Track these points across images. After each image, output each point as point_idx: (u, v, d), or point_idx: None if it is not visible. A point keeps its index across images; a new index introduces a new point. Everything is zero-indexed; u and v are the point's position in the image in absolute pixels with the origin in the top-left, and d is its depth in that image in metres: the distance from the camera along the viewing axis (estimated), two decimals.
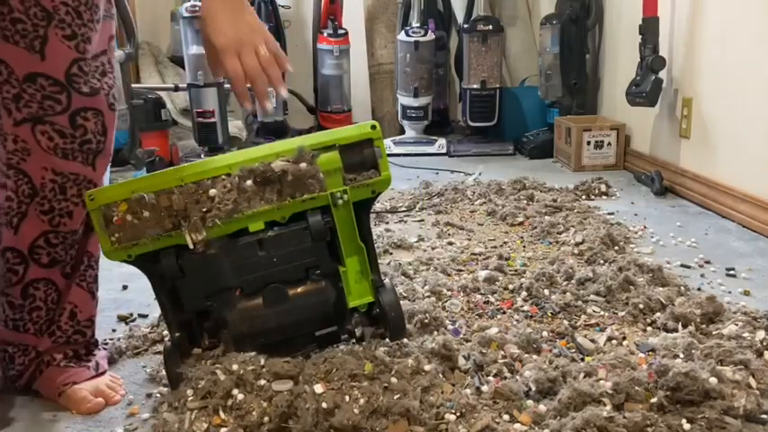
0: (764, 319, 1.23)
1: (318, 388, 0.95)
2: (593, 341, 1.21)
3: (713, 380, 0.97)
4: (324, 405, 0.92)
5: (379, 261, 1.12)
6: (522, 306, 1.38)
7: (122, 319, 1.44)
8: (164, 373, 1.08)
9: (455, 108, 3.89)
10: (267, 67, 0.99)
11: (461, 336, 1.25)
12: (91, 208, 0.99)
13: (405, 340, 1.14)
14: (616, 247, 1.71)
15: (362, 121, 1.09)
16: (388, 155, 3.17)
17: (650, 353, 1.15)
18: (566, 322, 1.29)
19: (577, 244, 1.74)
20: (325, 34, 3.46)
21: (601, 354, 1.16)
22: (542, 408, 0.98)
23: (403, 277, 1.54)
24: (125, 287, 1.61)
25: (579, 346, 1.20)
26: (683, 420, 0.93)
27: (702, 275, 1.57)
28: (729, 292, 1.46)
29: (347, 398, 0.94)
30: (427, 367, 1.04)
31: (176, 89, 3.22)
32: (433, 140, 3.36)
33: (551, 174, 2.78)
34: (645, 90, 2.39)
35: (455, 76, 3.78)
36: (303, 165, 1.02)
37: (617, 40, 2.92)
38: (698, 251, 1.74)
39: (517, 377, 1.07)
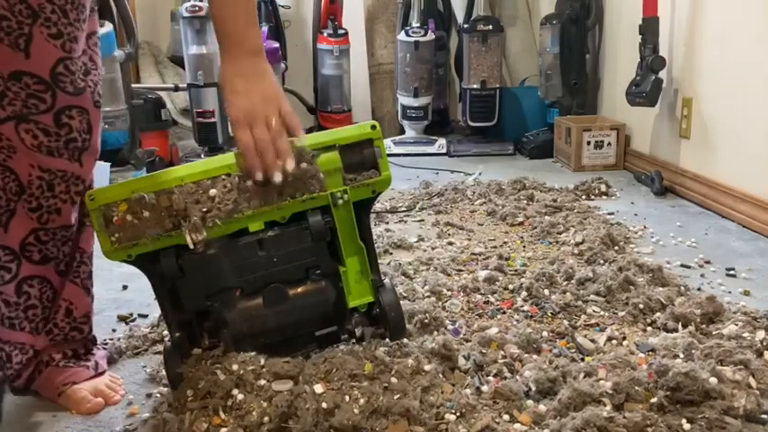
0: (764, 319, 1.23)
1: (318, 388, 0.95)
2: (593, 341, 1.21)
3: (713, 380, 0.97)
4: (324, 405, 0.92)
5: (379, 261, 1.12)
6: (522, 306, 1.38)
7: (122, 319, 1.44)
8: (164, 373, 1.08)
9: (455, 108, 3.89)
10: (276, 140, 0.99)
11: (461, 336, 1.25)
12: (91, 208, 0.99)
13: (405, 340, 1.14)
14: (616, 247, 1.71)
15: (362, 121, 1.09)
16: (388, 155, 3.17)
17: (650, 353, 1.15)
18: (566, 322, 1.29)
19: (577, 244, 1.74)
20: (325, 34, 3.46)
21: (601, 354, 1.16)
22: (542, 408, 0.98)
23: (403, 277, 1.54)
24: (125, 287, 1.61)
25: (579, 346, 1.20)
26: (683, 420, 0.93)
27: (702, 275, 1.57)
28: (729, 292, 1.46)
29: (347, 398, 0.94)
30: (427, 367, 1.04)
31: (176, 89, 3.22)
32: (433, 140, 3.36)
33: (551, 174, 2.78)
34: (645, 90, 2.39)
35: (455, 76, 3.78)
36: (303, 165, 1.02)
37: (617, 40, 2.92)
38: (698, 251, 1.74)
39: (517, 377, 1.07)
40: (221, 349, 1.02)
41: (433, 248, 1.80)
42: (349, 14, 3.62)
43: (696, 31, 2.25)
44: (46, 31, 0.96)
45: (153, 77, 3.59)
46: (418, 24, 3.40)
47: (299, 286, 1.06)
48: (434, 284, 1.46)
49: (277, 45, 3.19)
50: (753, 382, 1.02)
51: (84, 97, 1.03)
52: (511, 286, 1.47)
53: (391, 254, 1.78)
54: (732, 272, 1.58)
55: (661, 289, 1.38)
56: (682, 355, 1.10)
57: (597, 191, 2.37)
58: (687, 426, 0.92)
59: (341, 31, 3.46)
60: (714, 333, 1.20)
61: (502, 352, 1.16)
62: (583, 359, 1.15)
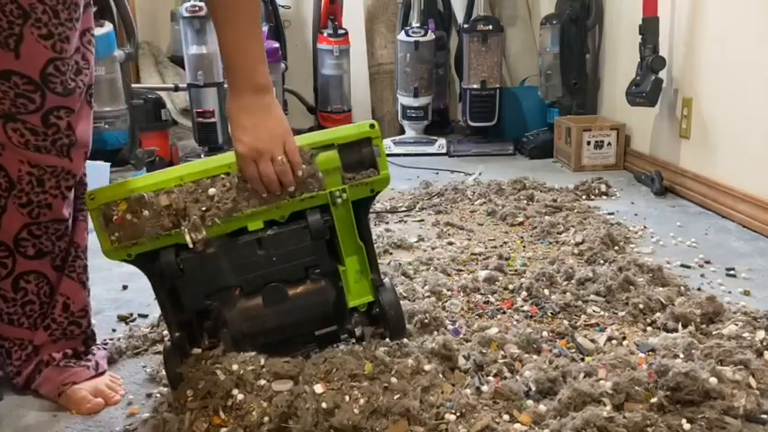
0: (764, 319, 1.23)
1: (318, 388, 0.95)
2: (593, 341, 1.21)
3: (713, 380, 0.96)
4: (324, 405, 0.92)
5: (379, 261, 1.12)
6: (522, 306, 1.38)
7: (122, 319, 1.44)
8: (164, 373, 1.08)
9: (455, 108, 3.89)
10: (281, 175, 1.01)
11: (461, 336, 1.25)
12: (91, 207, 0.99)
13: (405, 340, 1.14)
14: (616, 247, 1.71)
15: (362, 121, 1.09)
16: (389, 155, 3.18)
17: (650, 353, 1.15)
18: (566, 322, 1.29)
19: (577, 244, 1.74)
20: (325, 34, 3.46)
21: (601, 354, 1.16)
22: (542, 408, 0.98)
23: (403, 277, 1.54)
24: (125, 287, 1.61)
25: (579, 346, 1.20)
26: (683, 420, 0.93)
27: (702, 275, 1.57)
28: (729, 292, 1.46)
29: (347, 398, 0.94)
30: (427, 367, 1.04)
31: (176, 89, 3.22)
32: (433, 140, 3.36)
33: (551, 174, 2.78)
34: (645, 90, 2.39)
35: (455, 76, 3.78)
36: (303, 165, 1.02)
37: (617, 40, 2.92)
38: (698, 251, 1.74)
39: (517, 377, 1.07)
40: (221, 349, 1.02)
41: (433, 248, 1.80)
42: (349, 14, 3.62)
43: (696, 31, 2.25)
44: (36, 31, 0.96)
45: (153, 77, 3.59)
46: (418, 24, 3.40)
47: (298, 286, 1.06)
48: (434, 284, 1.46)
49: (277, 45, 3.19)
50: (753, 382, 1.02)
51: (74, 98, 1.03)
52: (511, 286, 1.47)
53: (391, 254, 1.78)
54: (732, 272, 1.58)
55: (661, 289, 1.38)
56: (682, 355, 1.10)
57: (597, 191, 2.37)
58: (687, 426, 0.92)
59: (341, 31, 3.46)
60: (714, 333, 1.19)
61: (502, 352, 1.16)
62: (583, 359, 1.15)
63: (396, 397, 0.95)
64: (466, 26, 3.32)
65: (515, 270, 1.59)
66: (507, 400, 1.01)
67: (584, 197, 2.33)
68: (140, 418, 1.05)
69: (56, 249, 1.10)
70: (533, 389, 1.03)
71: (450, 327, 1.28)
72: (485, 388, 1.04)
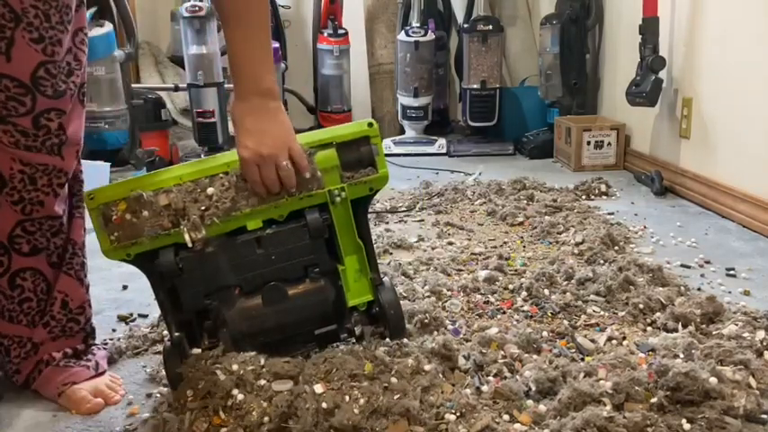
0: (764, 319, 1.23)
1: (318, 388, 0.95)
2: (593, 341, 1.21)
3: (713, 380, 0.96)
4: (324, 405, 0.92)
5: (378, 261, 1.12)
6: (522, 306, 1.38)
7: (122, 319, 1.44)
8: (164, 373, 1.08)
9: (455, 108, 3.89)
10: (285, 180, 1.01)
11: (461, 336, 1.25)
12: (90, 207, 0.99)
13: (405, 340, 1.14)
14: (616, 247, 1.71)
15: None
16: (389, 155, 3.19)
17: (650, 353, 1.15)
18: (566, 322, 1.29)
19: (577, 244, 1.74)
20: (326, 34, 3.46)
21: (601, 354, 1.16)
22: (542, 408, 0.98)
23: (403, 277, 1.54)
24: (125, 287, 1.61)
25: (579, 346, 1.20)
26: (683, 420, 0.93)
27: (702, 275, 1.57)
28: (729, 292, 1.46)
29: (347, 398, 0.94)
30: (427, 367, 1.04)
31: (176, 89, 3.22)
32: (433, 140, 3.36)
33: (551, 174, 2.77)
34: (645, 90, 2.39)
35: (455, 76, 3.78)
36: None
37: (617, 40, 2.92)
38: (698, 251, 1.74)
39: (517, 377, 1.07)
40: (221, 349, 1.02)
41: (433, 248, 1.80)
42: (349, 14, 3.62)
43: (696, 31, 2.25)
44: (28, 35, 0.96)
45: (153, 77, 3.59)
46: (418, 24, 3.40)
47: (297, 285, 1.06)
48: (434, 284, 1.46)
49: (277, 45, 3.19)
50: (753, 382, 1.01)
51: (65, 100, 1.03)
52: (511, 286, 1.47)
53: (391, 254, 1.78)
54: (732, 272, 1.58)
55: (661, 289, 1.38)
56: (682, 355, 1.10)
57: (597, 191, 2.37)
58: (687, 426, 0.92)
59: (341, 31, 3.46)
60: (714, 333, 1.19)
61: (502, 352, 1.16)
62: (583, 359, 1.15)
63: (396, 397, 0.95)
64: (466, 26, 3.31)
65: (515, 270, 1.59)
66: (507, 400, 1.01)
67: (584, 197, 2.33)
68: (140, 418, 1.05)
69: (51, 246, 1.10)
70: (533, 389, 1.03)
71: (450, 327, 1.28)
72: (485, 388, 1.04)
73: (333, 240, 1.07)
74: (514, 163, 3.07)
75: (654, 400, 0.96)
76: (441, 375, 1.06)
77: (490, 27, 3.25)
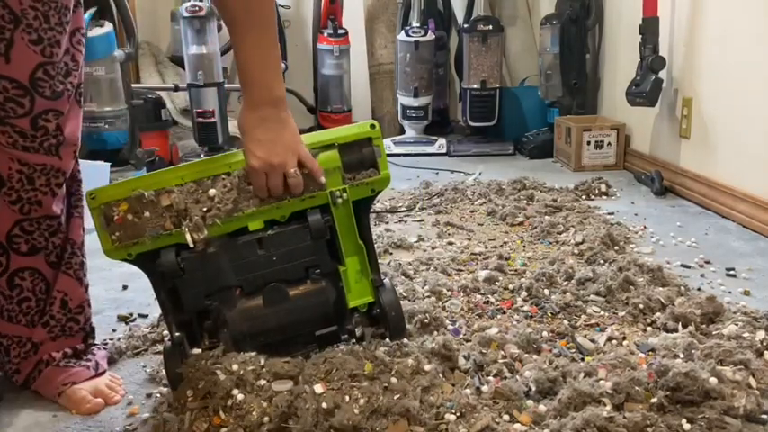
0: (764, 319, 1.23)
1: (318, 388, 0.95)
2: (593, 341, 1.21)
3: (713, 380, 0.96)
4: (324, 405, 0.92)
5: (379, 261, 1.12)
6: (522, 306, 1.38)
7: (122, 319, 1.44)
8: (164, 373, 1.08)
9: (455, 108, 3.89)
10: (293, 187, 1.01)
11: (461, 336, 1.25)
12: (92, 207, 0.99)
13: (405, 340, 1.14)
14: (616, 247, 1.71)
15: (362, 121, 1.09)
16: (389, 155, 3.17)
17: (650, 353, 1.15)
18: (566, 322, 1.29)
19: (577, 244, 1.74)
20: (326, 34, 3.46)
21: (601, 354, 1.16)
22: (542, 408, 0.98)
23: (403, 277, 1.54)
24: (125, 287, 1.61)
25: (579, 346, 1.20)
26: (683, 420, 0.93)
27: (702, 275, 1.57)
28: (729, 292, 1.46)
29: (347, 398, 0.94)
30: (427, 367, 1.04)
31: (176, 89, 3.22)
32: (433, 140, 3.36)
33: (551, 174, 2.78)
34: (645, 90, 2.39)
35: (455, 76, 3.78)
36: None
37: (617, 40, 2.92)
38: (698, 251, 1.74)
39: (517, 377, 1.07)
40: (221, 349, 1.02)
41: (433, 248, 1.80)
42: (349, 14, 3.62)
43: (696, 31, 2.25)
44: (27, 36, 0.96)
45: (153, 77, 3.59)
46: (418, 24, 3.40)
47: (298, 286, 1.06)
48: (434, 284, 1.46)
49: None
50: (753, 382, 1.02)
51: (62, 101, 1.03)
52: (511, 286, 1.47)
53: (391, 254, 1.78)
54: (732, 272, 1.58)
55: (661, 289, 1.38)
56: (682, 355, 1.10)
57: (597, 191, 2.37)
58: (687, 426, 0.92)
59: (341, 31, 3.46)
60: (714, 333, 1.19)
61: (502, 352, 1.16)
62: (583, 359, 1.15)
63: (396, 397, 0.95)
64: (466, 26, 3.32)
65: (515, 270, 1.59)
66: (507, 400, 1.01)
67: (584, 197, 2.33)
68: (140, 418, 1.05)
69: (49, 245, 1.10)
70: (533, 389, 1.03)
71: (450, 327, 1.28)
72: (485, 388, 1.04)
73: (334, 241, 1.07)
74: (514, 163, 3.07)
75: (654, 400, 0.96)
76: (441, 375, 1.07)
77: (490, 27, 3.25)
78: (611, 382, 0.99)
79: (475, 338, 1.20)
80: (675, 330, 1.23)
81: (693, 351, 1.10)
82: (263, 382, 0.97)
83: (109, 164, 2.35)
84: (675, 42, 2.40)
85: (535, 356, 1.15)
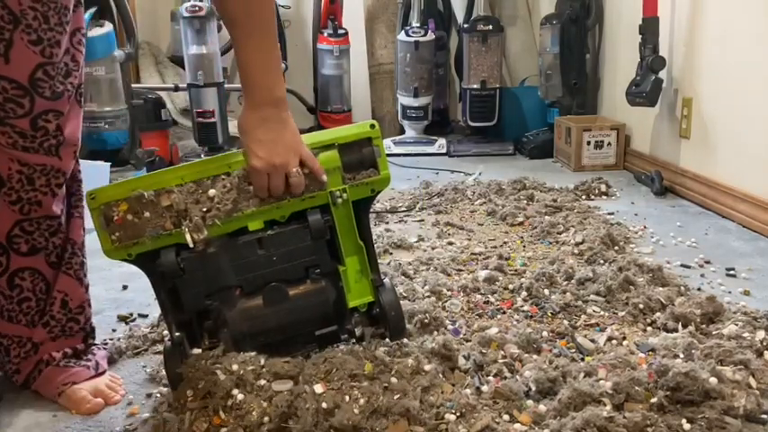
0: (764, 319, 1.23)
1: (318, 388, 0.95)
2: (593, 341, 1.21)
3: (713, 380, 0.97)
4: (324, 405, 0.92)
5: (378, 261, 1.12)
6: (522, 306, 1.38)
7: (122, 319, 1.44)
8: (164, 373, 1.08)
9: (455, 108, 3.89)
10: (294, 187, 1.01)
11: (461, 336, 1.25)
12: (91, 207, 0.99)
13: (405, 340, 1.14)
14: (616, 247, 1.71)
15: (362, 121, 1.09)
16: (389, 155, 3.18)
17: (650, 353, 1.15)
18: (566, 322, 1.29)
19: (577, 244, 1.74)
20: (326, 34, 3.46)
21: (601, 354, 1.16)
22: (542, 408, 0.98)
23: (403, 277, 1.54)
24: (125, 287, 1.61)
25: (579, 346, 1.20)
26: (683, 420, 0.93)
27: (702, 275, 1.57)
28: (729, 292, 1.46)
29: (347, 398, 0.94)
30: (427, 367, 1.04)
31: (176, 89, 3.22)
32: (433, 140, 3.36)
33: (551, 174, 2.78)
34: (645, 90, 2.39)
35: (455, 76, 3.78)
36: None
37: (617, 40, 2.92)
38: (698, 251, 1.74)
39: (517, 377, 1.07)
40: (221, 349, 1.02)
41: (433, 248, 1.80)
42: (349, 14, 3.62)
43: (696, 31, 2.25)
44: (26, 37, 0.96)
45: (153, 77, 3.59)
46: (418, 24, 3.40)
47: (298, 286, 1.06)
48: (434, 284, 1.46)
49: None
50: (753, 382, 1.02)
51: (62, 101, 1.03)
52: (511, 286, 1.47)
53: (391, 254, 1.78)
54: (732, 272, 1.58)
55: (661, 289, 1.38)
56: (682, 355, 1.10)
57: (597, 191, 2.37)
58: (687, 426, 0.92)
59: (341, 31, 3.46)
60: (714, 333, 1.19)
61: (502, 352, 1.16)
62: (583, 359, 1.15)
63: (396, 397, 0.95)
64: (466, 26, 3.32)
65: (515, 270, 1.59)
66: (507, 400, 1.01)
67: (584, 197, 2.33)
68: (140, 418, 1.05)
69: (50, 246, 1.10)
70: (533, 389, 1.03)
71: (450, 327, 1.28)
72: (485, 388, 1.04)
73: (334, 241, 1.07)
74: (514, 163, 3.07)
75: (654, 400, 0.96)
76: (441, 375, 1.07)
77: (490, 27, 3.25)
78: (611, 382, 0.99)
79: (475, 338, 1.20)
80: (675, 330, 1.23)
81: (693, 351, 1.10)
82: (263, 382, 0.97)
83: (109, 164, 2.35)
84: (675, 42, 2.40)
85: (535, 356, 1.15)
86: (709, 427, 0.92)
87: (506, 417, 0.98)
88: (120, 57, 2.65)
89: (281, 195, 1.02)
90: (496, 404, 1.01)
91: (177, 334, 1.04)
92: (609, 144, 2.81)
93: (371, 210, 1.11)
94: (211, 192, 1.00)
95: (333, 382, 0.97)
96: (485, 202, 2.24)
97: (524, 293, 1.42)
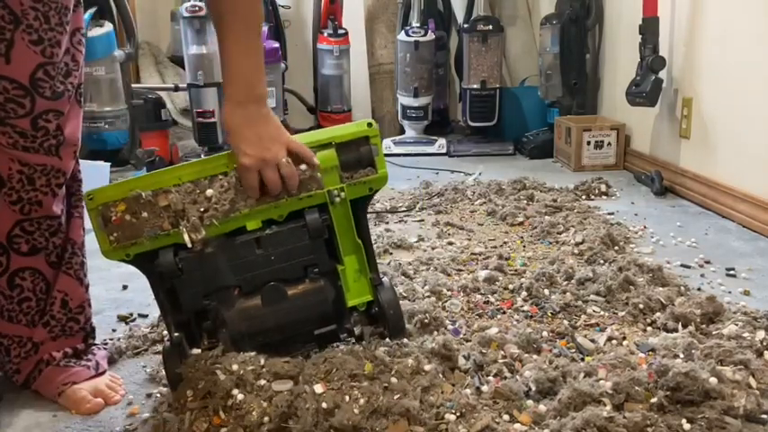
0: (764, 319, 1.23)
1: (318, 388, 0.95)
2: (593, 341, 1.21)
3: (713, 380, 0.96)
4: (324, 405, 0.92)
5: (378, 261, 1.12)
6: (522, 306, 1.38)
7: (122, 319, 1.44)
8: (164, 373, 1.08)
9: (455, 108, 3.88)
10: (287, 180, 1.01)
11: (461, 336, 1.25)
12: (89, 208, 0.99)
13: (405, 340, 1.14)
14: (616, 247, 1.71)
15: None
16: (388, 155, 3.19)
17: (650, 353, 1.15)
18: (566, 322, 1.29)
19: (577, 244, 1.74)
20: (326, 34, 3.46)
21: (601, 354, 1.16)
22: (542, 408, 0.98)
23: (403, 277, 1.54)
24: (125, 287, 1.61)
25: (579, 346, 1.20)
26: (683, 420, 0.93)
27: (702, 275, 1.57)
28: (729, 292, 1.46)
29: (347, 398, 0.94)
30: (427, 367, 1.04)
31: (176, 89, 3.22)
32: (433, 140, 3.36)
33: (551, 174, 2.77)
34: (645, 90, 2.39)
35: (455, 76, 3.78)
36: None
37: (617, 40, 2.92)
38: (698, 251, 1.74)
39: (517, 377, 1.07)
40: (221, 349, 1.02)
41: (433, 248, 1.80)
42: (349, 14, 3.62)
43: (696, 31, 2.25)
44: (27, 37, 0.96)
45: (153, 77, 3.59)
46: (418, 24, 3.40)
47: (297, 285, 1.06)
48: (434, 284, 1.46)
49: (277, 45, 3.18)
50: (753, 382, 1.01)
51: (63, 101, 1.03)
52: (511, 286, 1.47)
53: (391, 254, 1.78)
54: (732, 272, 1.58)
55: (661, 289, 1.38)
56: (682, 355, 1.10)
57: (597, 191, 2.37)
58: (687, 426, 0.92)
59: (341, 31, 3.46)
60: (714, 333, 1.19)
61: (502, 352, 1.16)
62: (583, 359, 1.15)
63: (396, 397, 0.95)
64: (466, 26, 3.31)
65: (515, 270, 1.59)
66: (507, 400, 1.01)
67: (584, 197, 2.33)
68: (140, 418, 1.05)
69: (50, 246, 1.10)
70: (533, 389, 1.03)
71: (450, 327, 1.28)
72: (485, 388, 1.04)
73: (332, 240, 1.07)
74: (514, 163, 3.07)
75: (654, 400, 0.96)
76: (441, 375, 1.06)
77: (490, 27, 3.25)
78: (611, 382, 0.99)
79: (475, 338, 1.20)
80: (675, 330, 1.23)
81: (693, 351, 1.10)
82: (263, 382, 0.97)
83: (109, 164, 2.35)
84: (675, 42, 2.40)
85: (535, 356, 1.15)
86: (709, 427, 0.92)
87: (506, 417, 0.98)
88: (120, 57, 2.65)
89: (278, 192, 1.01)
90: (496, 404, 1.01)
91: (176, 334, 1.04)
92: (609, 144, 2.81)
93: (371, 209, 1.11)
94: (209, 192, 1.00)
95: (333, 382, 0.97)
96: (485, 202, 2.24)
97: (524, 293, 1.42)
